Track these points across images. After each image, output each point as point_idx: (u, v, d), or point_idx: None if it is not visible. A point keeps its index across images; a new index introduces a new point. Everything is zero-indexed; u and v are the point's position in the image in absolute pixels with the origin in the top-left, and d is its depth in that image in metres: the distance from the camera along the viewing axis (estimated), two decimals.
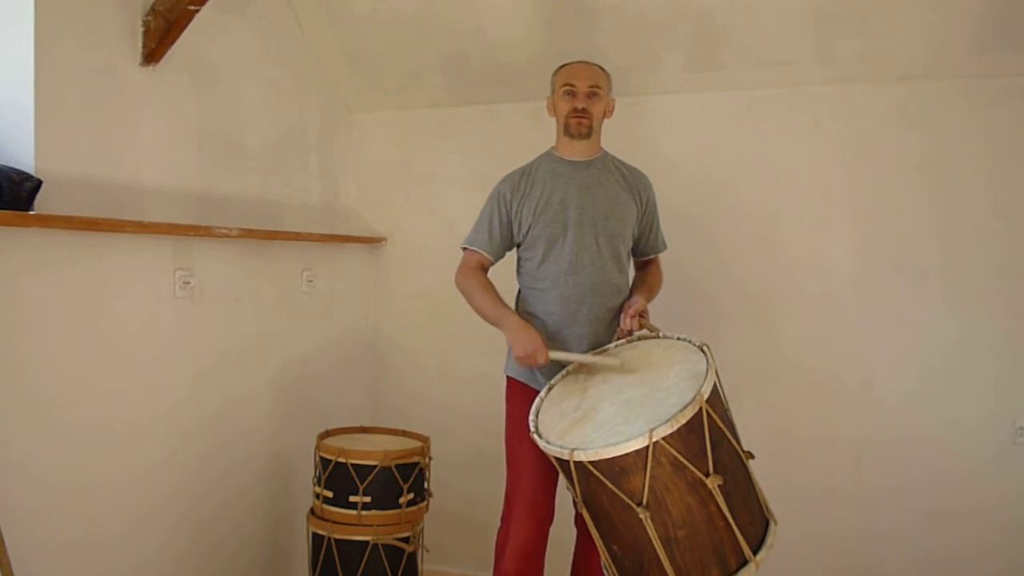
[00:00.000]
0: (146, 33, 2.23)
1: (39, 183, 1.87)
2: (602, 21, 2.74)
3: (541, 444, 1.87)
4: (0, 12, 1.96)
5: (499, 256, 2.30)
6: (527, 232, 2.25)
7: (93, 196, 2.09)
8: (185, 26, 2.24)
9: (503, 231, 2.27)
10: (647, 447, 1.68)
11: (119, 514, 2.17)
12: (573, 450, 1.77)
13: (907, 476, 2.71)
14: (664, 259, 2.92)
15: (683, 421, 1.70)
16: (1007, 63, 2.55)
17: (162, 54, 2.26)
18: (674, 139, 2.93)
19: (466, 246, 2.30)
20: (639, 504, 1.74)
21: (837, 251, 2.78)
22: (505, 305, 2.21)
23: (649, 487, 1.72)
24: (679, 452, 1.71)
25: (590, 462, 1.75)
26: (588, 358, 2.10)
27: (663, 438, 1.69)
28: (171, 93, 2.37)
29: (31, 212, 1.85)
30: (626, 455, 1.71)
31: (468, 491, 3.01)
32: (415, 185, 3.30)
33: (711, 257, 2.91)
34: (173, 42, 2.26)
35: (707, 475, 1.74)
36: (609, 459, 1.72)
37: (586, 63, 2.29)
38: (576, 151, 2.28)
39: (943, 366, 2.68)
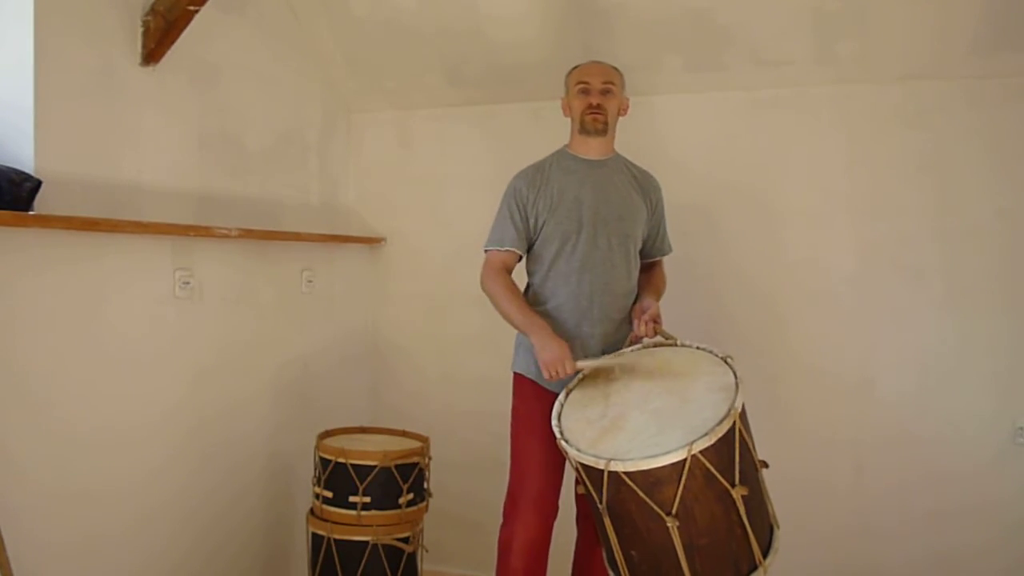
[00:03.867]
0: (146, 33, 2.23)
1: (39, 183, 1.87)
2: (602, 21, 2.74)
3: (572, 452, 1.86)
4: (0, 12, 1.96)
5: (525, 251, 2.27)
6: (541, 228, 2.23)
7: (93, 196, 2.08)
8: (185, 26, 2.24)
9: (525, 225, 2.24)
10: (684, 460, 1.70)
11: (119, 515, 2.17)
12: (610, 460, 1.76)
13: (907, 475, 2.71)
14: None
15: (720, 435, 1.72)
16: (1007, 63, 2.54)
17: (162, 54, 2.26)
18: (674, 139, 2.93)
19: (489, 247, 2.26)
20: (669, 513, 1.75)
21: (837, 251, 2.78)
22: (534, 312, 2.18)
23: (681, 498, 1.74)
24: (712, 464, 1.74)
25: (626, 473, 1.75)
26: (615, 360, 2.09)
27: (700, 451, 1.71)
28: (171, 93, 2.37)
29: (31, 212, 1.85)
30: (663, 467, 1.72)
31: (468, 491, 3.01)
32: (415, 185, 3.30)
33: (711, 257, 2.91)
34: (173, 42, 2.26)
35: (733, 486, 1.76)
36: (645, 470, 1.73)
37: (599, 62, 2.32)
38: (591, 149, 2.29)
39: (943, 366, 2.68)
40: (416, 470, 2.56)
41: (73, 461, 2.03)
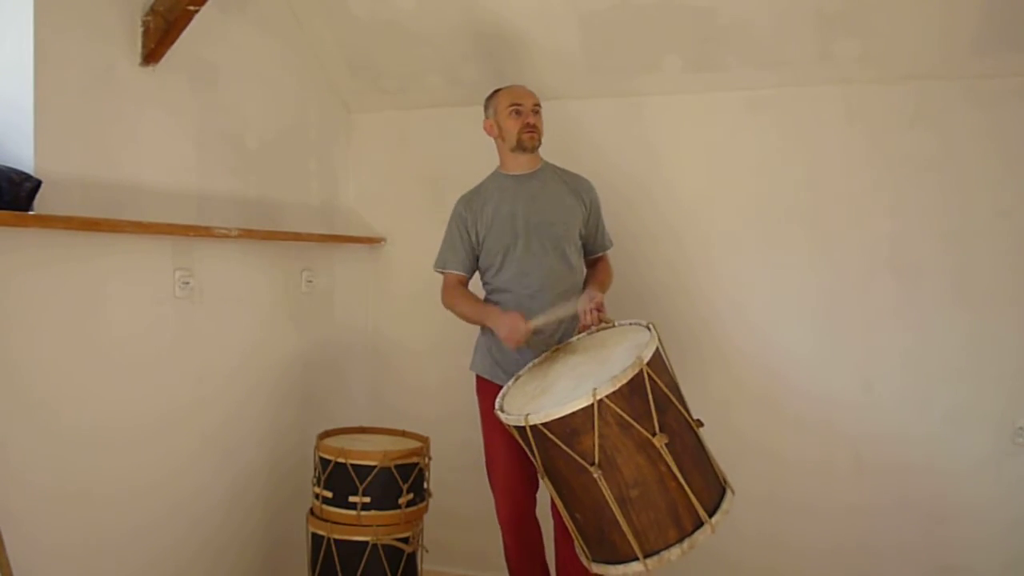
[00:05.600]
0: (146, 33, 2.23)
1: (39, 183, 1.87)
2: (601, 21, 2.73)
3: (503, 417, 2.00)
4: (0, 12, 1.96)
5: (471, 270, 2.53)
6: (483, 244, 2.47)
7: (93, 196, 2.08)
8: (185, 26, 2.24)
9: (466, 247, 2.49)
10: (592, 405, 1.80)
11: (118, 516, 2.17)
12: (527, 415, 1.88)
13: (906, 475, 2.71)
14: (662, 258, 2.93)
15: (624, 380, 1.81)
16: (1010, 63, 2.54)
17: (162, 54, 2.26)
18: (674, 139, 2.93)
19: (440, 269, 2.53)
20: (592, 464, 1.83)
21: (838, 251, 2.78)
22: (484, 302, 2.47)
23: (599, 446, 1.82)
24: (624, 411, 1.82)
25: (543, 424, 1.86)
26: (561, 311, 2.28)
27: (607, 396, 1.80)
28: (171, 93, 2.37)
29: (31, 212, 1.85)
30: (574, 414, 1.81)
31: (468, 491, 3.00)
32: (415, 185, 3.30)
33: (710, 256, 2.91)
34: (173, 42, 2.26)
35: (653, 435, 1.83)
36: (560, 419, 1.83)
37: (523, 86, 2.54)
38: (521, 165, 2.50)
39: (943, 366, 2.68)
40: (416, 470, 2.56)
41: (72, 462, 2.03)
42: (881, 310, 2.74)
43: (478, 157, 3.18)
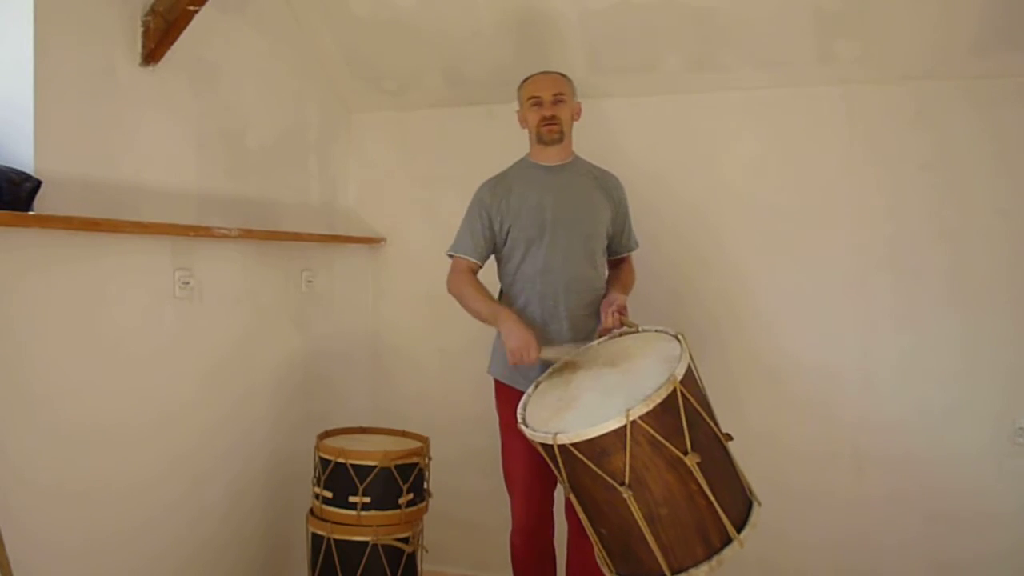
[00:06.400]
0: (146, 33, 2.23)
1: (39, 183, 1.87)
2: (601, 21, 2.74)
3: (527, 432, 1.93)
4: (0, 12, 1.96)
5: (484, 259, 2.41)
6: (507, 235, 2.36)
7: (93, 196, 2.08)
8: (185, 26, 2.24)
9: (485, 235, 2.37)
10: (624, 426, 1.74)
11: (118, 516, 2.17)
12: (556, 434, 1.82)
13: (906, 476, 2.71)
14: (664, 258, 2.93)
15: (658, 400, 1.75)
16: (1009, 63, 2.54)
17: (162, 54, 2.26)
18: (674, 139, 2.94)
19: (452, 253, 2.41)
20: (621, 484, 1.78)
21: (838, 251, 2.78)
22: (499, 303, 2.34)
23: (630, 466, 1.77)
24: (655, 431, 1.76)
25: (572, 444, 1.80)
26: (574, 351, 2.18)
27: (639, 417, 1.74)
28: (171, 93, 2.37)
29: (31, 212, 1.85)
30: (605, 435, 1.75)
31: (468, 491, 3.01)
32: (415, 185, 3.30)
33: (711, 256, 2.91)
34: (173, 42, 2.26)
35: (685, 453, 1.78)
36: (590, 440, 1.77)
37: (547, 73, 2.42)
38: (550, 156, 2.41)
39: (943, 366, 2.68)
40: (416, 470, 2.56)
41: (73, 461, 2.03)
42: (879, 310, 2.74)
43: (478, 157, 3.18)
